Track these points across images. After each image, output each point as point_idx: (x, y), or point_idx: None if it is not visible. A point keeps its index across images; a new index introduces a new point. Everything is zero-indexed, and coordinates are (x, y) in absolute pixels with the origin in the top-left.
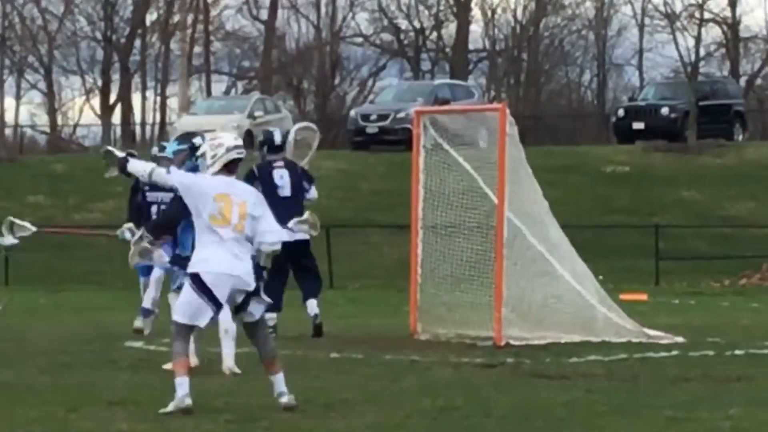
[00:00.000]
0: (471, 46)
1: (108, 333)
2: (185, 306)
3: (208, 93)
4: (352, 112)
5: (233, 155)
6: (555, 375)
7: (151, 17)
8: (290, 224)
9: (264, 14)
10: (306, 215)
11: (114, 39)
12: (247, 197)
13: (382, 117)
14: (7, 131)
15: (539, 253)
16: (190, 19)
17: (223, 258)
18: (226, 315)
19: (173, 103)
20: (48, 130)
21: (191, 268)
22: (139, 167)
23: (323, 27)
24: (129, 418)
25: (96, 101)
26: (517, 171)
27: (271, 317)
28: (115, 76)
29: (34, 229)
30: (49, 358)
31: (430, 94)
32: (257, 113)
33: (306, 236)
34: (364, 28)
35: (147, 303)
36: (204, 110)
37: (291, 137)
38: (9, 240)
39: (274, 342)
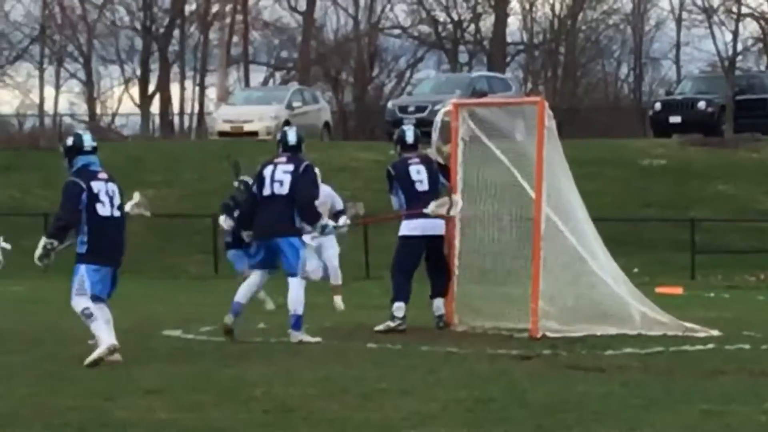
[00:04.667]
0: (509, 39)
1: (145, 322)
2: None
3: (247, 83)
4: (390, 104)
5: None
6: (591, 367)
7: (189, 7)
8: (429, 209)
9: (302, 5)
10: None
11: (153, 29)
12: None
13: (420, 109)
14: (47, 120)
15: (575, 246)
16: (228, 9)
17: None
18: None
19: (212, 93)
20: (87, 119)
21: None
22: None
23: (361, 18)
24: (166, 407)
25: (135, 91)
26: (554, 164)
27: (399, 307)
28: (154, 66)
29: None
30: (86, 347)
31: (467, 86)
32: (295, 104)
33: (443, 231)
34: (402, 19)
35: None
36: (242, 100)
37: (438, 119)
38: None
39: None
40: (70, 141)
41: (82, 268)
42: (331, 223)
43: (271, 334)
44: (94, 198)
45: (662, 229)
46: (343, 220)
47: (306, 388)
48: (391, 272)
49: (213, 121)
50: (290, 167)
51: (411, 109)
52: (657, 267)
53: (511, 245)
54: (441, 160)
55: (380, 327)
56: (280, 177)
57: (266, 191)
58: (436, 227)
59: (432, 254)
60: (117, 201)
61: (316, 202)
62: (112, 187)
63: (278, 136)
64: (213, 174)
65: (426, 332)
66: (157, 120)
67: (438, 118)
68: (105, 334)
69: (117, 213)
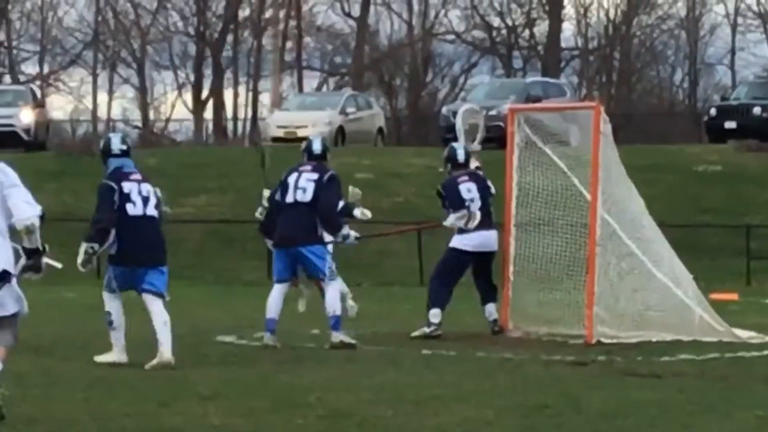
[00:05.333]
0: (563, 44)
1: (200, 327)
2: None
3: (300, 89)
4: (444, 109)
5: None
6: (646, 373)
7: (243, 13)
8: (448, 221)
9: (356, 10)
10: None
11: (206, 34)
12: None
13: None
14: (100, 126)
15: (632, 252)
16: (282, 14)
17: None
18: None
19: (265, 98)
20: (140, 124)
21: None
22: None
23: (415, 24)
24: (220, 412)
25: (188, 96)
26: (610, 169)
27: (435, 313)
28: (207, 72)
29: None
30: (142, 353)
31: (522, 91)
32: (349, 109)
33: (495, 248)
34: (456, 25)
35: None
36: (296, 106)
37: (459, 125)
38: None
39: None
40: (101, 144)
41: (111, 269)
42: (353, 233)
43: (324, 339)
44: (125, 198)
45: (717, 235)
46: (359, 212)
47: (360, 394)
48: (431, 278)
49: (266, 127)
50: (314, 176)
51: None
52: (712, 273)
53: (567, 250)
54: (477, 162)
55: (416, 333)
56: (303, 184)
57: (289, 198)
58: (490, 244)
59: (480, 268)
60: (153, 201)
61: None
62: (147, 187)
63: (303, 145)
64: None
65: (481, 338)
66: (210, 126)
67: (459, 123)
68: (118, 349)
69: (151, 212)
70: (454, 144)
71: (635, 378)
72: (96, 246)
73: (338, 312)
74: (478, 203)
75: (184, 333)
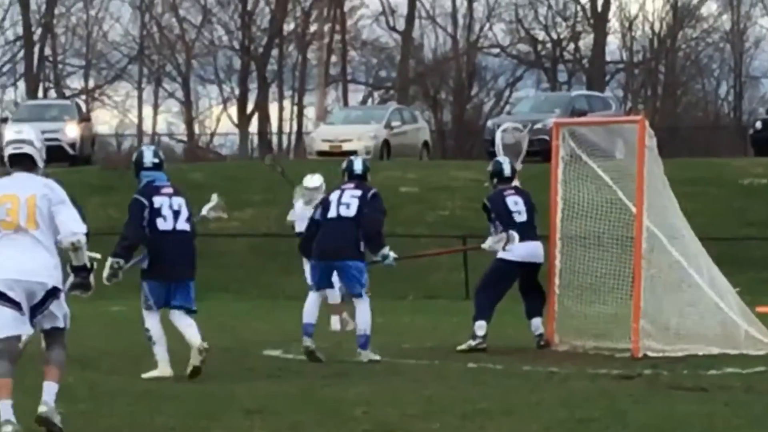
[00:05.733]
0: (608, 58)
1: (246, 341)
2: None
3: (345, 102)
4: (489, 123)
5: (9, 150)
6: (693, 387)
7: (288, 27)
8: (486, 244)
9: (401, 24)
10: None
11: (251, 48)
12: (37, 190)
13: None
14: (145, 140)
15: (678, 265)
16: (327, 28)
17: (13, 259)
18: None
19: (310, 112)
20: (185, 138)
21: None
22: None
23: (460, 37)
24: (267, 426)
25: (233, 110)
26: (655, 183)
27: (481, 326)
28: (252, 86)
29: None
30: (185, 367)
31: (567, 105)
32: (394, 123)
33: (541, 259)
34: (500, 38)
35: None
36: (341, 120)
37: (498, 142)
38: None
39: (65, 354)
40: (134, 157)
41: (144, 284)
42: (392, 254)
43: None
44: (156, 213)
45: (762, 248)
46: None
47: (406, 408)
48: (477, 290)
49: (312, 141)
50: (358, 192)
51: None
52: (758, 286)
53: (612, 264)
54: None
55: (462, 347)
56: (347, 200)
57: (332, 213)
58: (536, 255)
59: (526, 279)
60: (184, 214)
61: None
62: (178, 200)
63: (343, 165)
64: None
65: (527, 352)
66: (255, 140)
67: (498, 139)
68: (162, 363)
69: (182, 226)
70: (500, 158)
71: (681, 392)
72: (121, 261)
73: (368, 331)
74: (524, 216)
75: (229, 346)
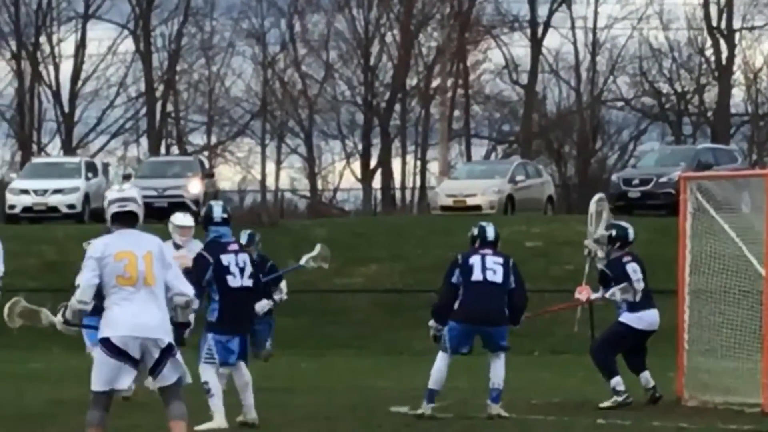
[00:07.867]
0: (733, 110)
1: (372, 398)
2: (100, 371)
3: (468, 157)
4: (614, 177)
5: (114, 209)
6: None
7: (411, 82)
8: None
9: (524, 78)
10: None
11: (374, 103)
12: (152, 247)
13: (645, 181)
14: (269, 196)
15: None
16: (450, 83)
17: (130, 314)
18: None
19: (433, 167)
20: (308, 194)
21: (102, 333)
22: None
23: (583, 91)
24: None
25: (356, 165)
26: None
27: (619, 381)
28: (375, 140)
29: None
30: (314, 425)
31: (692, 158)
32: (518, 177)
33: (657, 326)
34: (624, 91)
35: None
36: (465, 174)
37: (592, 209)
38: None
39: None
40: (203, 212)
41: (209, 337)
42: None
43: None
44: (224, 270)
45: None
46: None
47: None
48: (595, 350)
49: (435, 196)
50: (500, 259)
51: (635, 182)
52: None
53: (740, 318)
54: (600, 252)
55: (607, 403)
56: (491, 266)
57: (477, 277)
58: (657, 323)
59: (640, 345)
60: (248, 271)
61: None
62: (243, 257)
63: (474, 231)
64: (436, 248)
65: (656, 407)
66: (378, 195)
67: (592, 208)
68: (218, 415)
69: (247, 283)
70: (621, 223)
71: None
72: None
73: (502, 386)
74: (642, 283)
75: (356, 403)
